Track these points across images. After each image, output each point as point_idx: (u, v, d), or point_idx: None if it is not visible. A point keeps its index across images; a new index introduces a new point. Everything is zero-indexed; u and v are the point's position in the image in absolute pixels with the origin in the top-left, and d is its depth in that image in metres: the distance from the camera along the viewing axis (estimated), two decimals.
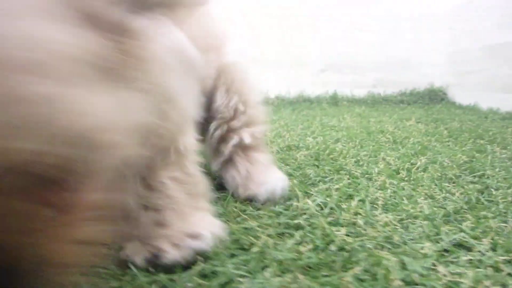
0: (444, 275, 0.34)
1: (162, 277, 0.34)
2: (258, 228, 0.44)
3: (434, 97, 1.91)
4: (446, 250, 0.39)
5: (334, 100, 1.95)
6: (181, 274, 0.34)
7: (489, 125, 1.17)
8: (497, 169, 0.68)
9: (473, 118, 1.35)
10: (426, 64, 1.98)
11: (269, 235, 0.42)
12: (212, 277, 0.34)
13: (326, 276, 0.34)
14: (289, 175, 0.65)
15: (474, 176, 0.65)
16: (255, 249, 0.39)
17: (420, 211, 0.49)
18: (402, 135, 1.01)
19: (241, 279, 0.34)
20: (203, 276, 0.34)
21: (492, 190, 0.58)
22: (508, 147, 0.86)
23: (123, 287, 0.33)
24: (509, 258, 0.36)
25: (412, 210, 0.49)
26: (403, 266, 0.35)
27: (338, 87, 2.02)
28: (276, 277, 0.33)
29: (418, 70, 2.00)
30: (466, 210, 0.50)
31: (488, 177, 0.64)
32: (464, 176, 0.66)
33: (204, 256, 0.36)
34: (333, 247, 0.39)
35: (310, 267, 0.35)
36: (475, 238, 0.41)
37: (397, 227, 0.45)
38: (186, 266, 0.35)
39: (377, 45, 1.99)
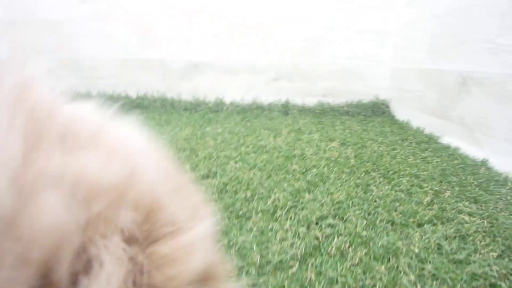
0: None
1: None
2: None
3: (377, 110, 2.05)
4: None
5: (285, 109, 2.07)
6: None
7: (400, 151, 1.31)
8: (358, 211, 0.82)
9: (395, 139, 1.49)
10: (373, 76, 2.11)
11: None
12: None
13: None
14: None
15: (335, 219, 0.79)
16: None
17: (257, 260, 0.62)
18: (312, 163, 1.15)
19: None
20: None
21: (336, 237, 0.71)
22: (392, 183, 1.00)
23: None
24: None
25: (254, 257, 0.63)
26: None
27: (290, 95, 2.13)
28: None
29: (365, 82, 2.12)
30: (298, 257, 0.63)
31: (345, 221, 0.78)
32: (328, 218, 0.79)
33: None
34: None
35: None
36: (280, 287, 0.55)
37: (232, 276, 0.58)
38: None
39: (328, 55, 2.10)
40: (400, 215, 0.80)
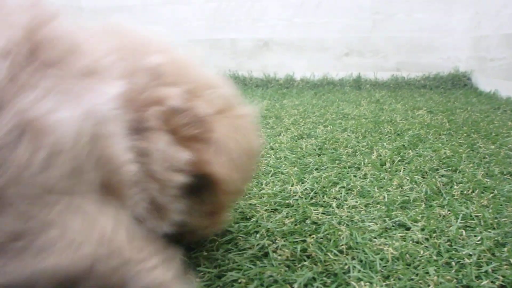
0: (376, 244, 0.50)
1: None
2: (258, 204, 0.61)
3: (457, 83, 1.95)
4: (388, 228, 0.55)
5: (357, 84, 2.04)
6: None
7: (495, 118, 1.25)
8: (470, 165, 0.80)
9: (485, 108, 1.42)
10: (450, 47, 2.00)
11: (265, 210, 0.60)
12: (222, 236, 0.52)
13: (296, 239, 0.51)
14: (292, 163, 0.81)
15: (448, 170, 0.78)
16: (253, 219, 0.56)
17: (384, 198, 0.64)
18: (405, 126, 1.13)
19: (241, 238, 0.52)
20: (216, 234, 0.52)
21: (455, 184, 0.71)
22: (497, 143, 0.96)
23: None
24: (427, 236, 0.51)
25: (378, 197, 0.65)
26: (351, 236, 0.51)
27: (361, 70, 2.10)
28: (263, 239, 0.51)
29: (442, 54, 2.02)
30: (423, 199, 0.64)
31: (459, 172, 0.77)
32: (440, 169, 0.79)
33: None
34: (308, 221, 0.56)
35: (287, 233, 0.52)
36: (414, 221, 0.56)
37: (361, 210, 0.61)
38: None
39: (400, 28, 2.03)
40: None
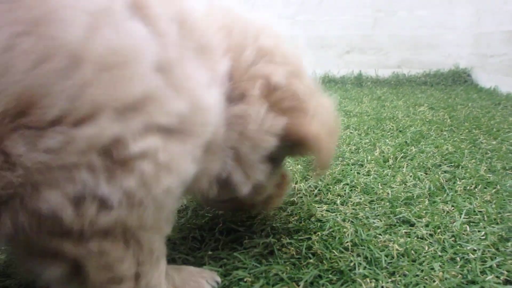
0: (381, 240, 0.50)
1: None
2: None
3: (458, 79, 1.95)
4: (392, 225, 0.55)
5: (359, 81, 2.04)
6: (207, 233, 0.53)
7: (496, 113, 1.25)
8: (473, 160, 0.80)
9: (486, 104, 1.42)
10: (451, 44, 2.00)
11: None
12: (227, 234, 0.52)
13: (301, 237, 0.51)
14: (295, 160, 0.81)
15: (450, 166, 0.78)
16: (258, 217, 0.57)
17: (387, 194, 0.64)
18: (407, 123, 1.13)
19: (247, 237, 0.52)
20: (221, 233, 0.53)
21: (458, 179, 0.71)
22: (499, 138, 0.96)
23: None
24: (432, 232, 0.52)
25: (382, 194, 0.65)
26: (355, 233, 0.51)
27: (362, 68, 2.10)
28: (268, 237, 0.51)
29: (443, 51, 2.02)
30: (426, 195, 0.65)
31: (462, 167, 0.77)
32: (443, 165, 0.79)
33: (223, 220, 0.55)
34: (312, 219, 0.56)
35: (292, 231, 0.53)
36: (419, 217, 0.56)
37: (365, 206, 0.61)
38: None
39: (401, 25, 2.03)
40: None
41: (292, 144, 0.41)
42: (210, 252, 0.48)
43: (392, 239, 0.50)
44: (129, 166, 0.26)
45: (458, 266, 0.45)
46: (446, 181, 0.71)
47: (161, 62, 0.28)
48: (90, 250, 0.27)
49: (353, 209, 0.60)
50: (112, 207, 0.26)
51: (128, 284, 0.30)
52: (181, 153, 0.29)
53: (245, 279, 0.42)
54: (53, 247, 0.26)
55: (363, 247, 0.48)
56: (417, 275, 0.43)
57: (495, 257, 0.46)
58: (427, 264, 0.45)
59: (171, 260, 0.46)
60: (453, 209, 0.59)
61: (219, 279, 0.41)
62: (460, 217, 0.56)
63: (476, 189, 0.66)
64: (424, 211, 0.58)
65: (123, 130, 0.25)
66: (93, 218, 0.25)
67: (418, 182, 0.70)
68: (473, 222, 0.55)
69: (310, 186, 0.68)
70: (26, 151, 0.23)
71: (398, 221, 0.56)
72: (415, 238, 0.51)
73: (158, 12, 0.29)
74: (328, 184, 0.69)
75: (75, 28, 0.23)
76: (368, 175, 0.74)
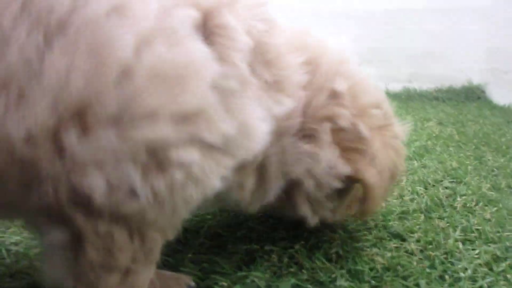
0: (368, 253, 0.48)
1: None
2: None
3: (471, 95, 1.90)
4: (382, 238, 0.53)
5: None
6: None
7: (508, 131, 1.21)
8: (476, 177, 0.78)
9: (499, 121, 1.38)
10: (463, 59, 1.96)
11: (261, 215, 0.59)
12: (211, 239, 0.52)
13: (286, 245, 0.50)
14: None
15: (452, 182, 0.76)
16: (245, 224, 0.56)
17: (382, 208, 0.62)
18: (412, 137, 1.11)
19: (231, 242, 0.51)
20: (206, 237, 0.52)
21: (458, 196, 0.69)
22: (507, 156, 0.93)
23: None
24: (422, 248, 0.50)
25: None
26: (342, 245, 0.50)
27: (373, 81, 2.07)
28: (252, 244, 0.50)
29: (455, 65, 1.99)
30: (422, 210, 0.62)
31: (464, 184, 0.74)
32: (444, 181, 0.76)
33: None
34: (300, 228, 0.55)
35: (277, 239, 0.51)
36: (411, 231, 0.54)
37: (357, 218, 0.59)
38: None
39: (412, 38, 2.01)
40: None
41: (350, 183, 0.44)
42: (190, 255, 0.47)
43: (379, 253, 0.48)
44: (164, 170, 0.29)
45: (446, 284, 0.43)
46: (446, 197, 0.68)
47: (218, 84, 0.30)
48: (98, 229, 0.29)
49: (344, 220, 0.58)
50: (138, 199, 0.28)
51: (116, 277, 0.31)
52: (213, 170, 0.31)
53: (220, 283, 0.41)
54: (67, 213, 0.29)
55: (348, 259, 0.47)
56: None
57: (487, 277, 0.43)
58: (413, 280, 0.43)
59: None
60: (448, 225, 0.57)
61: (193, 284, 0.41)
62: (455, 233, 0.54)
63: (477, 207, 0.64)
64: (418, 226, 0.56)
65: (172, 137, 0.28)
66: (118, 203, 0.28)
67: (416, 196, 0.68)
68: (469, 240, 0.53)
69: None
70: (81, 145, 0.27)
71: (389, 235, 0.54)
72: (404, 253, 0.49)
73: (233, 41, 0.32)
74: None
75: (126, 46, 0.28)
76: None
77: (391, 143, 0.46)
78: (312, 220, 0.44)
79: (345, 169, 0.41)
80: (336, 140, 0.41)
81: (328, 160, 0.40)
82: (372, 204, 0.44)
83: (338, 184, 0.42)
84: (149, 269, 0.34)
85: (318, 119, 0.41)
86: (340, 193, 0.45)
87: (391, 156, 0.45)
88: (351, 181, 0.43)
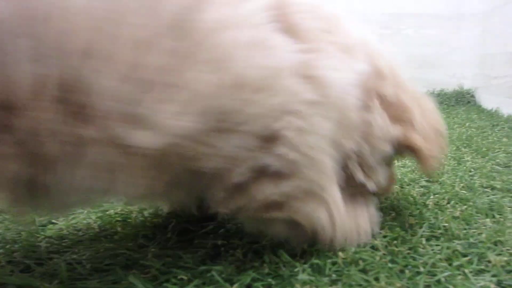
0: (332, 249, 0.49)
1: None
2: None
3: (461, 99, 1.92)
4: None
5: None
6: None
7: (491, 134, 1.22)
8: (453, 177, 0.79)
9: (484, 124, 1.39)
10: (456, 64, 1.98)
11: None
12: (179, 234, 0.52)
13: (252, 241, 0.50)
14: None
15: (428, 181, 0.77)
16: (216, 220, 0.56)
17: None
18: None
19: (198, 237, 0.51)
20: (173, 232, 0.52)
21: (432, 194, 0.69)
22: (486, 157, 0.94)
23: None
24: (387, 243, 0.50)
25: None
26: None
27: None
28: (218, 239, 0.51)
29: (448, 70, 2.00)
30: (394, 208, 0.63)
31: (439, 183, 0.75)
32: (421, 180, 0.77)
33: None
34: None
35: (245, 235, 0.52)
36: (379, 228, 0.55)
37: None
38: None
39: (407, 43, 2.02)
40: (500, 182, 0.75)
41: (399, 150, 0.51)
42: (155, 250, 0.48)
43: (343, 249, 0.49)
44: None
45: (405, 278, 0.43)
46: (420, 196, 0.69)
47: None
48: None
49: None
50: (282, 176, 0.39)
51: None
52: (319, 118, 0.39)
53: (179, 277, 0.41)
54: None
55: (312, 255, 0.47)
56: (360, 284, 0.42)
57: (445, 271, 0.44)
58: (374, 274, 0.44)
59: (113, 255, 0.46)
60: (416, 222, 0.57)
61: None
62: (421, 230, 0.54)
63: (448, 205, 0.65)
64: (386, 223, 0.57)
65: (280, 126, 0.37)
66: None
67: (390, 195, 0.69)
68: (435, 236, 0.54)
69: None
70: (223, 144, 0.34)
71: None
72: (369, 248, 0.50)
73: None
74: None
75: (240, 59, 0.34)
76: None
77: (427, 111, 0.53)
78: (369, 185, 0.50)
79: (394, 131, 0.48)
80: (384, 109, 0.47)
81: (383, 125, 0.47)
82: (427, 164, 0.50)
83: (389, 148, 0.48)
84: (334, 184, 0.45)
85: (370, 90, 0.47)
86: (388, 161, 0.52)
87: (430, 121, 0.51)
88: (399, 146, 0.49)
